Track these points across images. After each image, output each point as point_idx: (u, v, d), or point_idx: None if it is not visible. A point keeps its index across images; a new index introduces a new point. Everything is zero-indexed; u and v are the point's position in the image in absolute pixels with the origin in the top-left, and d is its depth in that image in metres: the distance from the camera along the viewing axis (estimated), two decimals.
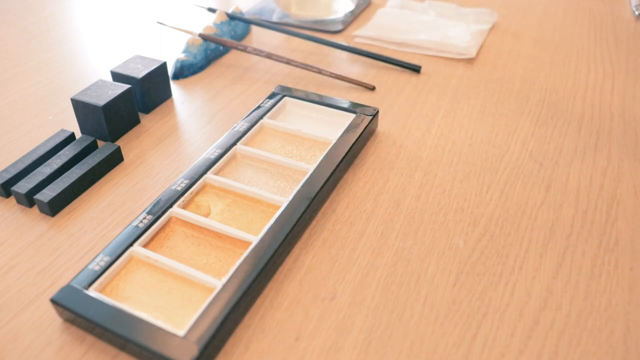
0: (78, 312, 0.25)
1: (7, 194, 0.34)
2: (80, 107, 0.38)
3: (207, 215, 0.31)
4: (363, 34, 0.53)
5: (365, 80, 0.46)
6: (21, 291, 0.28)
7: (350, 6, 0.57)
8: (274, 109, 0.40)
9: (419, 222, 0.32)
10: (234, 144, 0.36)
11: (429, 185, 0.34)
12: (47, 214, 0.33)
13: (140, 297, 0.27)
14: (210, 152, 0.35)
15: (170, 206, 0.31)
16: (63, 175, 0.34)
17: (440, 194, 0.34)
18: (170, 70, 0.47)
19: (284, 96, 0.41)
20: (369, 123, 0.37)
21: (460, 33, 0.52)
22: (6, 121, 0.42)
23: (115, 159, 0.37)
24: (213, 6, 0.57)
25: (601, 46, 0.51)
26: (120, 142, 0.39)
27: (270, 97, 0.41)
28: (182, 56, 0.47)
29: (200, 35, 0.48)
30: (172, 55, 0.50)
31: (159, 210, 0.31)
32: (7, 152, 0.39)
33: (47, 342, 0.26)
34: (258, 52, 0.47)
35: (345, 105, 0.39)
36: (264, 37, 0.55)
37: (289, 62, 0.46)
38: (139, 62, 0.42)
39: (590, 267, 0.29)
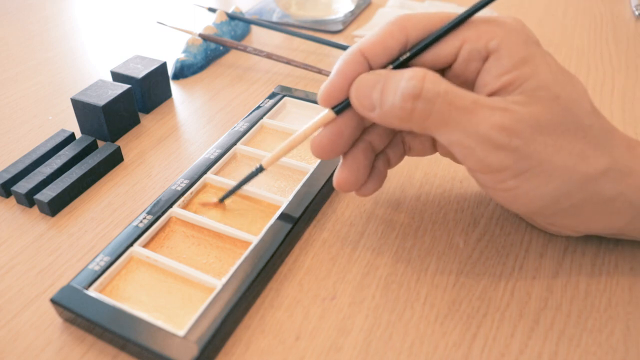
0: (78, 312, 0.25)
1: (7, 194, 0.34)
2: (80, 107, 0.38)
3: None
4: (363, 34, 0.53)
5: None
6: (21, 291, 0.28)
7: (350, 6, 0.57)
8: (274, 109, 0.40)
9: (419, 222, 0.32)
10: (234, 144, 0.36)
11: (429, 185, 0.34)
12: (47, 214, 0.33)
13: (140, 297, 0.27)
14: (210, 152, 0.35)
15: (170, 206, 0.31)
16: (63, 175, 0.34)
17: (440, 194, 0.34)
18: (170, 70, 0.47)
19: (284, 96, 0.41)
20: None
21: None
22: (6, 121, 0.42)
23: (115, 159, 0.37)
24: (213, 6, 0.57)
25: (601, 46, 0.51)
26: (120, 142, 0.39)
27: (270, 97, 0.41)
28: (182, 56, 0.47)
29: (200, 35, 0.48)
30: (172, 55, 0.50)
31: (159, 210, 0.31)
32: (7, 152, 0.39)
33: (47, 342, 0.26)
34: (258, 52, 0.47)
35: None
36: (264, 37, 0.55)
37: (289, 62, 0.46)
38: (139, 62, 0.42)
39: (590, 267, 0.29)
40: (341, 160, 0.28)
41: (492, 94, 0.24)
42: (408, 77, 0.23)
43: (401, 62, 0.25)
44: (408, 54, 0.25)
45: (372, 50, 0.25)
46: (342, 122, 0.26)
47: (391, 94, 0.24)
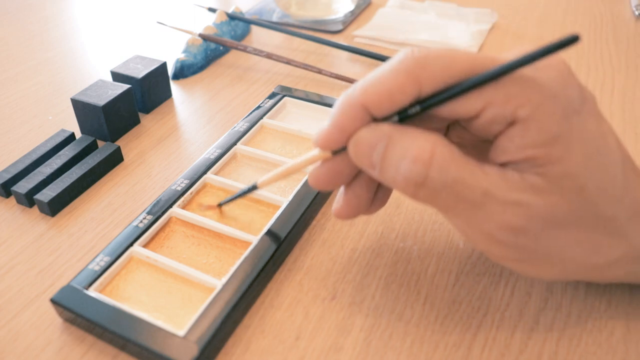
0: (78, 312, 0.25)
1: (7, 194, 0.34)
2: (80, 107, 0.38)
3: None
4: (363, 34, 0.53)
5: None
6: (21, 291, 0.28)
7: (350, 6, 0.57)
8: (274, 109, 0.40)
9: (419, 222, 0.32)
10: (234, 144, 0.36)
11: None
12: (47, 214, 0.33)
13: (140, 297, 0.27)
14: (210, 152, 0.35)
15: (170, 206, 0.31)
16: (63, 175, 0.34)
17: None
18: (170, 70, 0.47)
19: (284, 96, 0.41)
20: None
21: (460, 33, 0.52)
22: (6, 121, 0.42)
23: (115, 159, 0.37)
24: (213, 6, 0.57)
25: (601, 46, 0.51)
26: (120, 142, 0.39)
27: (270, 97, 0.41)
28: (182, 56, 0.47)
29: (200, 35, 0.48)
30: (172, 55, 0.50)
31: (159, 210, 0.31)
32: (7, 152, 0.39)
33: (47, 342, 0.26)
34: (258, 52, 0.47)
35: None
36: (264, 37, 0.55)
37: (289, 62, 0.46)
38: (139, 62, 0.42)
39: None
40: (342, 191, 0.26)
41: (508, 163, 0.21)
42: (412, 158, 0.20)
43: (409, 115, 0.22)
44: (418, 108, 0.21)
45: (376, 106, 0.21)
46: (341, 161, 0.24)
47: (393, 166, 0.21)
